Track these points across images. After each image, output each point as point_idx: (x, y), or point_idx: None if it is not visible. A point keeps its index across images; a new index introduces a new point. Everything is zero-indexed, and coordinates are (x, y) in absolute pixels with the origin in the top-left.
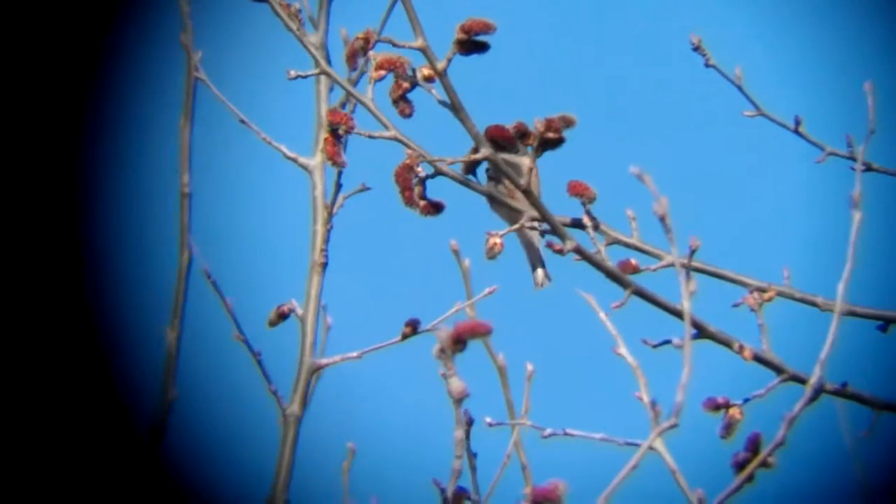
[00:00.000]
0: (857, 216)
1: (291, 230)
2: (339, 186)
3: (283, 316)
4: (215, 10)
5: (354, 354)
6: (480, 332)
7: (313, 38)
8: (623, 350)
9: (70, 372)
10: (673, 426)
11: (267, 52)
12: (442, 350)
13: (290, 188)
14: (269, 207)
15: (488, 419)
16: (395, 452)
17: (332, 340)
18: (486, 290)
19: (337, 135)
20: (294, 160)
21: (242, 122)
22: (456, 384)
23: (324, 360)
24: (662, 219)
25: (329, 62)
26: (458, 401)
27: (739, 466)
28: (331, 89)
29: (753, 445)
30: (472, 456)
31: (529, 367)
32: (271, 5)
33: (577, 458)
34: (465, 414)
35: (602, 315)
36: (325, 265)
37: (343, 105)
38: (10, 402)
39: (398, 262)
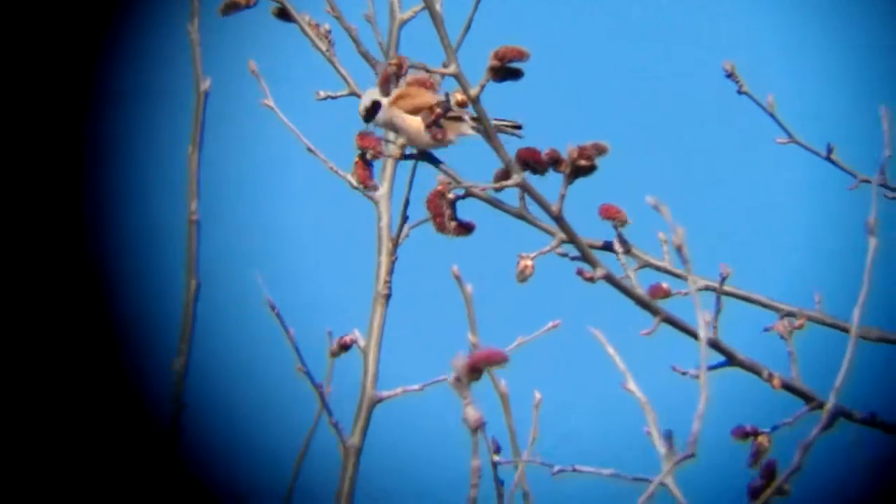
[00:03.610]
0: (872, 242)
1: (355, 260)
2: (405, 217)
3: (345, 347)
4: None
5: (416, 387)
6: (496, 360)
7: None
8: (632, 385)
9: (88, 396)
10: (690, 457)
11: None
12: (458, 379)
13: (356, 218)
14: (333, 237)
15: (495, 457)
16: (447, 484)
17: (391, 371)
18: (550, 325)
19: (366, 158)
20: (360, 190)
21: (310, 150)
22: (472, 413)
23: (385, 393)
24: (679, 249)
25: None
26: (474, 430)
27: (754, 494)
28: None
29: (769, 472)
30: (500, 484)
31: (538, 395)
32: (300, 25)
33: (588, 492)
34: (493, 441)
35: (611, 350)
36: (388, 297)
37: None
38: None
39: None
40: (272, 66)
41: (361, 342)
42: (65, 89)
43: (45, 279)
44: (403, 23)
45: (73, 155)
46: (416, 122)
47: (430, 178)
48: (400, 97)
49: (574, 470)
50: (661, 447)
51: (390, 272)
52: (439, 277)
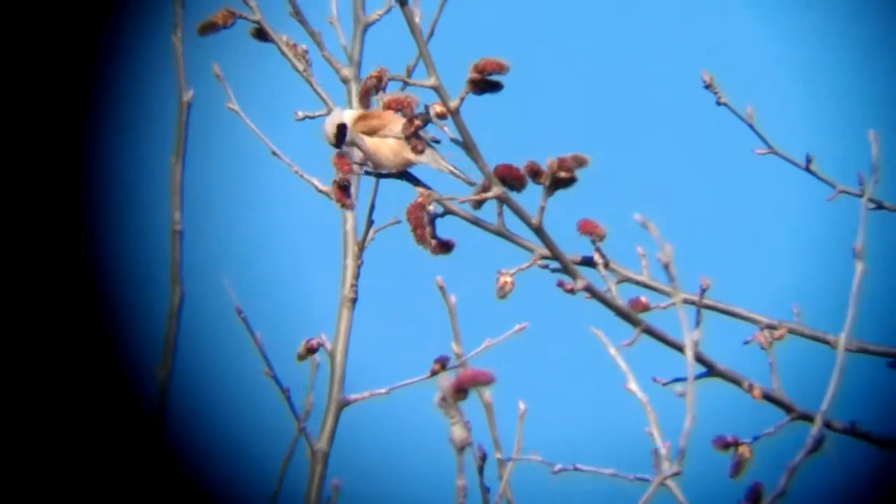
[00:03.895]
0: (859, 267)
1: (321, 264)
2: (370, 221)
3: (312, 350)
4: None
5: (383, 391)
6: (482, 381)
7: (346, 71)
8: (633, 385)
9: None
10: (676, 474)
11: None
12: (444, 399)
13: (321, 222)
14: (298, 241)
15: (497, 455)
16: (417, 489)
17: (359, 375)
18: (517, 327)
19: (340, 181)
20: (326, 194)
21: (274, 154)
22: (458, 433)
23: (352, 396)
24: (667, 266)
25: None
26: (460, 449)
27: None
28: None
29: (755, 495)
30: (486, 490)
31: (522, 405)
32: (277, 46)
33: (584, 496)
34: (479, 448)
35: (612, 351)
36: (354, 300)
37: None
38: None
39: (428, 296)
40: (257, 72)
41: (328, 345)
42: (44, 99)
43: (24, 288)
44: (368, 25)
45: (53, 165)
46: (373, 144)
47: (395, 182)
48: (361, 118)
49: (575, 469)
50: (661, 447)
51: (356, 276)
52: (407, 280)
